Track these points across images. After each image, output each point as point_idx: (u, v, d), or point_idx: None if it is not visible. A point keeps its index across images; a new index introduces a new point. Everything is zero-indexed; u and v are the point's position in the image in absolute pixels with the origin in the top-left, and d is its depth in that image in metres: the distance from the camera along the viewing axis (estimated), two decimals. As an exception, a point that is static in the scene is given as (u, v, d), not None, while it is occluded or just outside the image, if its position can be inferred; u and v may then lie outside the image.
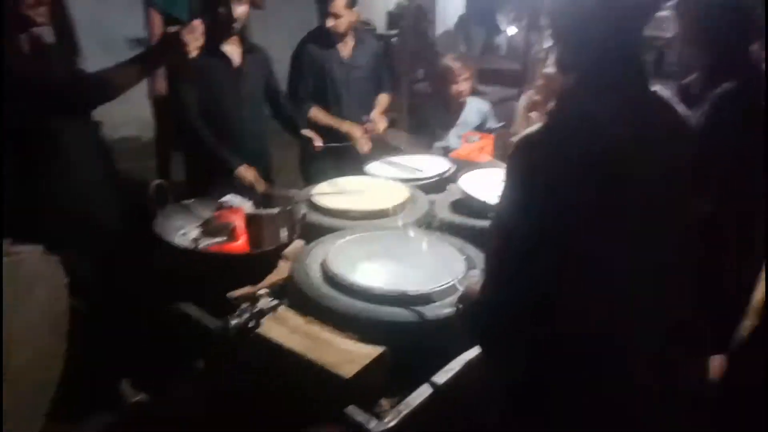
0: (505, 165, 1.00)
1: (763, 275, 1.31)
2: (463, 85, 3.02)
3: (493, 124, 3.14)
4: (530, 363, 0.99)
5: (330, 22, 2.71)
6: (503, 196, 0.99)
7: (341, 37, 2.80)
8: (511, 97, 8.08)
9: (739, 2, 1.49)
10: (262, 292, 1.54)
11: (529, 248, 0.93)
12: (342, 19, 2.71)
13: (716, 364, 1.34)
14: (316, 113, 2.84)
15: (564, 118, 0.95)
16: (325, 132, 2.74)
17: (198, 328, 1.51)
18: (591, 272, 0.93)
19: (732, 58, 1.52)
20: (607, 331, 0.97)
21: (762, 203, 1.40)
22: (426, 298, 1.43)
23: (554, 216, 0.91)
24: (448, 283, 1.47)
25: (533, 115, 2.47)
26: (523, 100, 2.67)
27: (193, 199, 1.95)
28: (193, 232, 1.83)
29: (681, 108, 1.04)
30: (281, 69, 2.86)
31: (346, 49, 2.85)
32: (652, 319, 1.00)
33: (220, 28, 2.33)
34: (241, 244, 1.75)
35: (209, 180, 2.30)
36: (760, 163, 1.42)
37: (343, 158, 2.85)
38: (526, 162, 0.94)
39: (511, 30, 11.15)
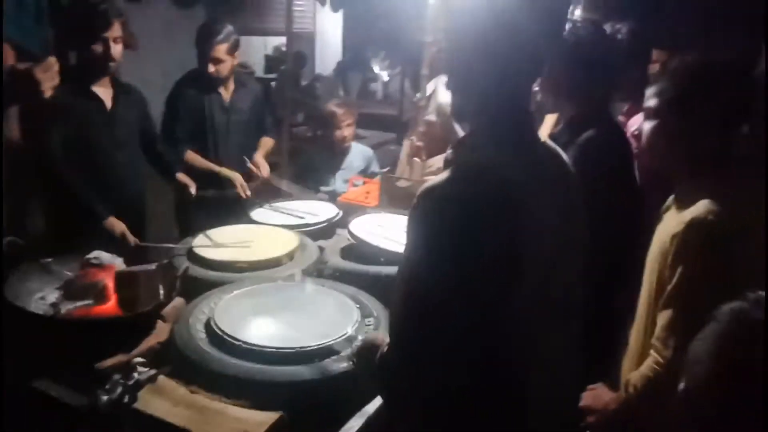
0: (407, 216, 0.99)
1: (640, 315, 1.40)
2: (346, 131, 3.06)
3: (376, 168, 3.20)
4: (445, 413, 0.97)
5: (211, 68, 2.62)
6: (410, 249, 0.97)
7: (222, 81, 2.71)
8: (388, 141, 8.37)
9: (604, 60, 1.66)
10: (137, 360, 1.38)
11: (441, 298, 0.92)
12: (224, 64, 2.63)
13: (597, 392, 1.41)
14: (193, 157, 2.70)
15: (464, 168, 0.97)
16: (203, 177, 2.62)
17: (61, 408, 1.30)
18: (506, 316, 0.94)
19: (594, 110, 1.68)
20: (524, 374, 0.99)
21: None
22: (324, 353, 1.36)
23: (463, 264, 0.91)
24: (345, 334, 1.42)
25: (416, 160, 2.54)
26: (406, 146, 2.74)
27: (51, 258, 1.72)
28: (53, 294, 1.61)
29: (563, 154, 1.11)
30: (154, 110, 2.70)
31: (226, 92, 2.76)
32: (564, 356, 1.05)
33: (92, 67, 2.16)
34: (111, 306, 1.57)
35: (72, 233, 2.06)
36: (621, 204, 1.56)
37: (222, 205, 2.72)
38: (430, 213, 0.93)
39: (385, 76, 11.63)
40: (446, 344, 0.95)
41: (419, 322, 0.96)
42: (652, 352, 1.27)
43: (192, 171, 2.63)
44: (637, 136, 1.40)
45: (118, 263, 1.68)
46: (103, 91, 2.22)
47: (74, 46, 2.16)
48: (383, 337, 1.14)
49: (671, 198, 1.39)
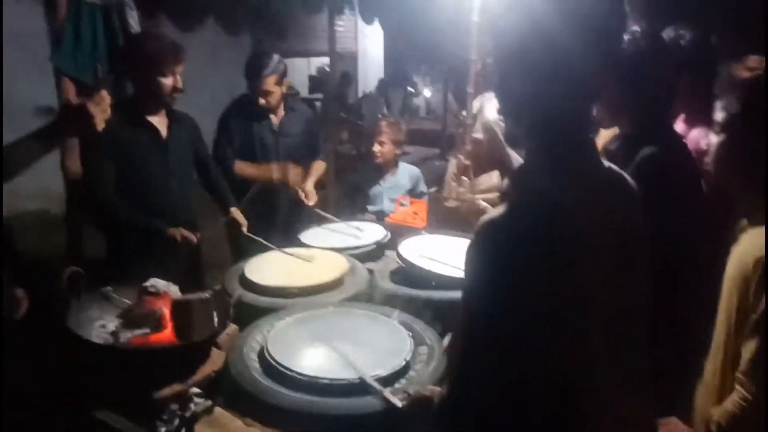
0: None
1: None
2: (385, 147, 3.08)
3: (423, 188, 3.18)
4: None
5: (262, 100, 2.67)
6: (469, 284, 0.94)
7: (273, 109, 2.76)
8: (432, 156, 8.36)
9: (663, 72, 1.59)
10: (194, 390, 1.38)
11: (502, 335, 0.89)
12: (273, 95, 2.68)
13: (670, 428, 1.33)
14: (242, 166, 2.75)
15: (521, 200, 0.93)
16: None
17: (120, 438, 1.32)
18: (569, 351, 0.90)
19: (654, 124, 1.61)
20: (590, 407, 0.94)
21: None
22: (382, 383, 1.33)
23: (524, 300, 0.87)
24: (401, 365, 1.38)
25: (465, 179, 2.50)
26: (452, 165, 2.71)
27: (110, 286, 1.76)
28: (113, 323, 1.65)
29: (628, 177, 1.05)
30: (204, 133, 2.77)
31: (276, 117, 2.80)
32: (630, 386, 1.00)
33: (155, 99, 2.22)
34: (167, 334, 1.59)
35: (130, 260, 2.12)
36: (685, 222, 1.48)
37: (272, 228, 2.75)
38: (489, 248, 0.90)
39: (427, 92, 11.67)
40: (509, 379, 0.92)
41: (481, 358, 0.93)
42: (737, 386, 1.19)
43: (241, 181, 2.69)
44: (705, 152, 1.33)
45: (174, 291, 1.71)
46: (159, 121, 2.29)
47: (141, 79, 2.23)
48: (432, 389, 1.12)
49: (744, 219, 1.31)
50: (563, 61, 0.89)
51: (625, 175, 1.05)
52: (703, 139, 1.89)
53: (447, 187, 2.78)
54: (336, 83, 5.23)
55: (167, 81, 2.16)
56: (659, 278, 1.25)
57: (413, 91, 11.15)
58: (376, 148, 3.09)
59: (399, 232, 2.40)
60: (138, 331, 1.60)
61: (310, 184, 2.81)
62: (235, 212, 2.51)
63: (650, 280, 1.04)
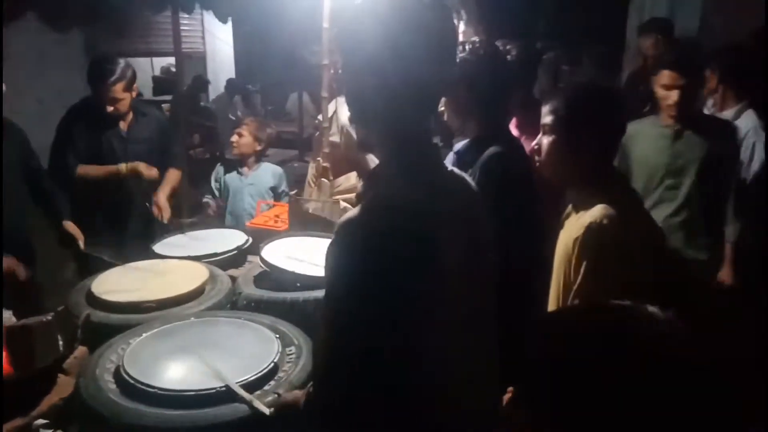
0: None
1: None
2: (242, 140, 3.06)
3: (286, 188, 3.18)
4: None
5: (110, 108, 2.47)
6: (329, 283, 0.97)
7: (122, 116, 2.57)
8: (290, 158, 8.30)
9: (504, 78, 1.77)
10: (39, 422, 1.26)
11: (362, 332, 0.93)
12: (122, 102, 2.50)
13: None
14: (86, 169, 2.53)
15: (375, 201, 0.98)
16: (103, 186, 2.52)
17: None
18: (425, 344, 0.96)
19: (496, 127, 1.79)
20: (444, 397, 1.01)
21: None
22: (246, 389, 1.32)
23: (381, 296, 0.92)
24: (268, 367, 1.38)
25: (324, 180, 2.55)
26: (312, 168, 2.74)
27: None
28: (-70, 360, 1.44)
29: (470, 180, 1.16)
30: (32, 141, 2.50)
31: (124, 122, 2.61)
32: (484, 375, 1.09)
33: None
34: (3, 365, 1.42)
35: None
36: (526, 212, 1.67)
37: (125, 237, 2.58)
38: (346, 247, 0.94)
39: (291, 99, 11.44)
40: (371, 374, 0.96)
41: (342, 355, 0.96)
42: None
43: (86, 182, 2.49)
44: (537, 151, 1.51)
45: (7, 317, 1.53)
46: None
47: None
48: (298, 392, 1.15)
49: (570, 206, 1.51)
50: (408, 71, 0.96)
51: (467, 177, 1.16)
52: (530, 143, 2.15)
53: (307, 189, 2.80)
54: (186, 85, 4.98)
55: None
56: (506, 268, 1.39)
57: (270, 91, 10.97)
58: (234, 138, 3.05)
59: (261, 236, 2.37)
60: (-35, 366, 1.41)
61: (163, 198, 2.66)
62: (68, 225, 2.29)
63: (495, 274, 1.15)
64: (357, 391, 0.95)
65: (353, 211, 0.97)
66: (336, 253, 0.95)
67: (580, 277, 1.34)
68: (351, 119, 1.06)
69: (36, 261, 2.32)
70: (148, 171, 2.56)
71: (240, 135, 3.06)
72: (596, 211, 1.36)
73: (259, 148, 3.11)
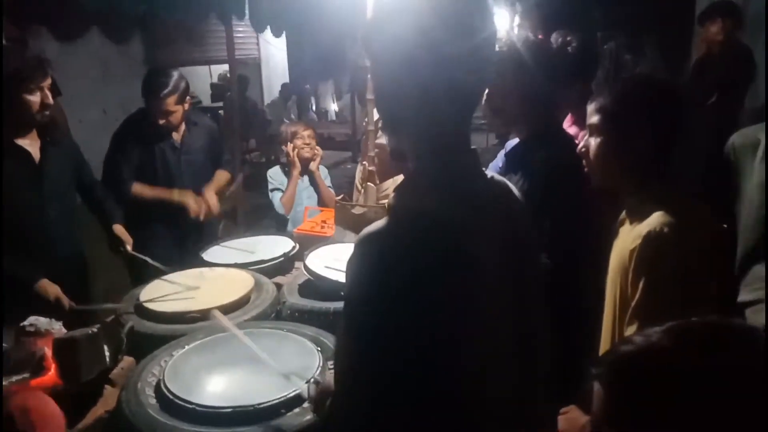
0: (348, 259, 0.93)
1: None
2: (307, 151, 3.04)
3: (330, 185, 3.17)
4: None
5: (162, 121, 2.51)
6: (348, 296, 0.91)
7: (175, 128, 2.61)
8: (343, 160, 8.34)
9: (554, 75, 1.65)
10: (82, 436, 1.27)
11: (382, 346, 0.87)
12: (175, 115, 2.53)
13: (577, 422, 1.37)
14: (141, 189, 2.57)
15: (401, 213, 0.91)
16: (156, 208, 2.55)
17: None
18: (453, 359, 0.89)
19: (547, 126, 1.67)
20: (479, 416, 0.94)
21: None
22: (284, 406, 1.28)
23: (400, 312, 0.85)
24: (308, 382, 1.33)
25: (370, 185, 2.49)
26: (359, 172, 2.69)
27: (-18, 330, 1.59)
28: (-14, 370, 1.48)
29: (513, 187, 1.07)
30: (95, 151, 2.58)
31: (178, 133, 2.65)
32: (523, 392, 1.00)
33: (21, 120, 1.99)
34: (51, 376, 1.45)
35: (7, 300, 1.91)
36: (586, 223, 1.54)
37: (174, 247, 2.61)
38: (367, 260, 0.88)
39: (332, 101, 11.56)
40: (393, 392, 0.90)
41: (361, 369, 0.90)
42: None
43: (139, 203, 2.54)
44: (584, 153, 1.39)
45: (57, 328, 1.56)
46: (30, 144, 2.06)
47: (5, 99, 2.01)
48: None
49: (623, 213, 1.38)
50: (443, 67, 0.88)
51: (509, 184, 1.06)
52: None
53: (355, 193, 2.76)
54: (236, 89, 5.06)
55: (34, 98, 1.96)
56: (556, 276, 1.29)
57: (324, 95, 11.09)
58: (300, 143, 3.03)
59: (308, 243, 2.35)
60: (15, 378, 1.45)
61: (209, 192, 2.68)
62: (117, 229, 2.31)
63: (540, 285, 1.05)
64: (376, 406, 0.89)
65: (377, 223, 0.90)
66: (354, 264, 0.89)
67: (639, 293, 1.21)
68: (382, 127, 0.99)
69: (88, 273, 2.36)
70: (196, 206, 2.58)
71: (310, 137, 3.05)
72: (654, 219, 1.23)
73: (316, 153, 3.10)
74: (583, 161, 1.39)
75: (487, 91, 1.65)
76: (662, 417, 0.62)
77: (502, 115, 1.69)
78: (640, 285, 1.21)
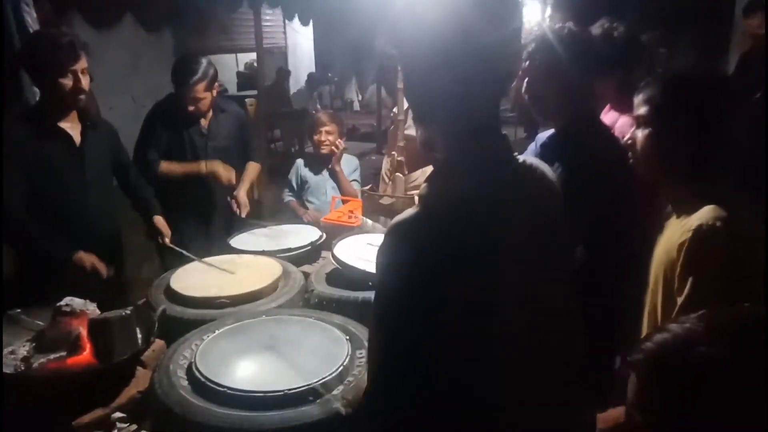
0: (378, 247, 0.93)
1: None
2: (329, 137, 3.03)
3: (358, 177, 3.15)
4: None
5: (191, 107, 2.54)
6: (378, 286, 0.91)
7: (203, 114, 2.64)
8: (369, 151, 8.33)
9: (593, 64, 1.62)
10: (117, 415, 1.30)
11: (414, 337, 0.87)
12: (203, 101, 2.56)
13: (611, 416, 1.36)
14: (168, 166, 2.61)
15: (432, 203, 0.91)
16: (182, 183, 2.59)
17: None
18: (483, 351, 0.89)
19: (585, 116, 1.64)
20: (508, 410, 0.93)
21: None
22: (312, 393, 1.29)
23: (431, 301, 0.85)
24: (336, 371, 1.35)
25: (399, 175, 2.49)
26: (387, 162, 2.69)
27: (20, 308, 1.63)
28: (24, 348, 1.52)
29: (548, 171, 1.05)
30: (125, 137, 2.62)
31: (206, 119, 2.68)
32: (554, 386, 0.99)
33: (60, 103, 2.04)
34: (86, 355, 1.48)
35: (43, 280, 1.96)
36: (627, 216, 1.52)
37: (201, 233, 2.64)
38: (397, 249, 0.88)
39: (354, 90, 11.51)
40: (423, 382, 0.90)
41: (393, 360, 0.90)
42: None
43: (168, 181, 2.58)
44: (631, 145, 1.36)
45: (92, 309, 1.59)
46: (71, 127, 2.11)
47: (40, 82, 2.06)
48: None
49: (670, 207, 1.35)
50: (476, 57, 0.87)
51: (545, 169, 1.05)
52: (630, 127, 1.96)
53: (382, 184, 2.76)
54: (270, 79, 5.09)
55: (67, 81, 1.99)
56: (592, 270, 1.27)
57: (349, 86, 11.08)
58: (323, 137, 3.01)
59: (335, 232, 2.36)
60: (53, 355, 1.49)
61: (243, 194, 2.71)
62: (158, 221, 2.36)
63: (571, 275, 1.04)
64: (408, 397, 0.89)
65: (406, 212, 0.89)
66: (384, 253, 0.88)
67: (688, 287, 1.19)
68: (414, 118, 0.99)
69: (123, 256, 2.41)
70: (227, 173, 2.60)
71: (329, 133, 3.03)
72: (705, 213, 1.20)
73: (343, 141, 3.09)
74: (629, 153, 1.37)
75: (527, 78, 1.63)
76: (694, 404, 0.62)
77: (541, 103, 1.66)
78: (690, 279, 1.19)
